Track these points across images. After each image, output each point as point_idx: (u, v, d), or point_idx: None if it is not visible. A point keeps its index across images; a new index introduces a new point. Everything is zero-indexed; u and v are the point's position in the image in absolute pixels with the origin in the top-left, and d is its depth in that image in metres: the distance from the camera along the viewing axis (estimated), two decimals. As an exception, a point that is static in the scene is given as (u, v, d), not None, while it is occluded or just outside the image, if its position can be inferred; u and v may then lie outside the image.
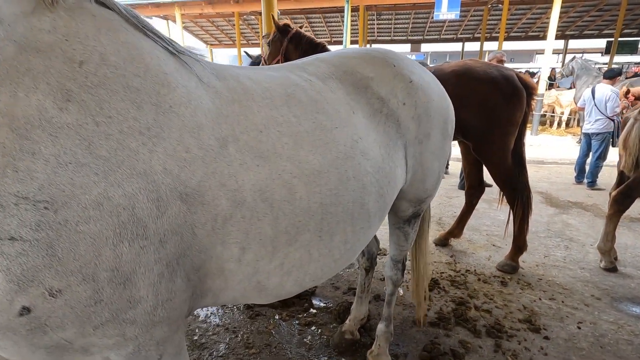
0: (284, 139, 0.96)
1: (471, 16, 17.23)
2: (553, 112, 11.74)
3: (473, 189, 3.25)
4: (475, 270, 2.93)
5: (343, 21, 14.55)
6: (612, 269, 2.88)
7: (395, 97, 1.28)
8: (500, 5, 12.33)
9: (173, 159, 0.75)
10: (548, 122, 12.04)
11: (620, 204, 2.87)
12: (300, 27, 3.48)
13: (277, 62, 3.30)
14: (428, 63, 11.45)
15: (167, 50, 0.86)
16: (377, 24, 19.40)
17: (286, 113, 1.01)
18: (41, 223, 0.59)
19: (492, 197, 3.03)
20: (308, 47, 3.24)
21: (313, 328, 2.25)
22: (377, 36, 21.41)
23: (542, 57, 13.84)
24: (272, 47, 3.42)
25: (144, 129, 0.72)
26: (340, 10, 12.23)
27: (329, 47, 3.25)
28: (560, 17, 11.07)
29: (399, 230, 1.70)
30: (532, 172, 6.28)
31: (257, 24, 17.19)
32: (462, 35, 20.94)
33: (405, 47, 26.66)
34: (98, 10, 0.75)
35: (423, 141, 1.37)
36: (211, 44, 22.46)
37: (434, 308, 2.44)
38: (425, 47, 30.66)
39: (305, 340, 2.14)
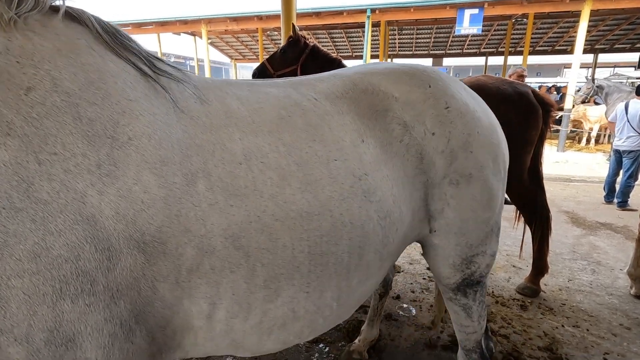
0: (268, 173, 0.82)
1: (495, 30, 17.02)
2: (580, 128, 11.32)
3: None
4: (493, 292, 2.81)
5: (364, 36, 14.81)
6: (643, 296, 2.70)
7: (423, 125, 1.06)
8: (524, 19, 12.13)
9: (128, 201, 0.64)
10: (577, 137, 11.61)
11: (652, 226, 2.70)
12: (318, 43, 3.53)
13: (290, 73, 3.30)
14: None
15: (141, 71, 0.78)
16: (398, 39, 19.49)
17: (274, 141, 0.86)
18: None
19: (513, 215, 2.93)
20: (324, 62, 3.27)
21: (321, 345, 2.21)
22: (399, 51, 21.46)
23: (569, 71, 13.47)
24: (286, 54, 3.39)
25: (93, 167, 0.62)
26: (361, 25, 12.36)
27: (349, 61, 3.28)
28: (588, 31, 10.77)
29: (453, 304, 1.31)
30: (558, 190, 6.07)
31: (280, 39, 17.64)
32: (485, 50, 20.69)
33: (427, 62, 26.61)
34: (64, 29, 0.70)
35: (460, 183, 1.10)
36: (235, 59, 23.11)
37: (447, 330, 2.35)
38: (448, 62, 30.44)
39: (312, 357, 2.10)
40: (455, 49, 21.41)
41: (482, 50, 20.79)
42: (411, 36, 19.17)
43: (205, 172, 0.75)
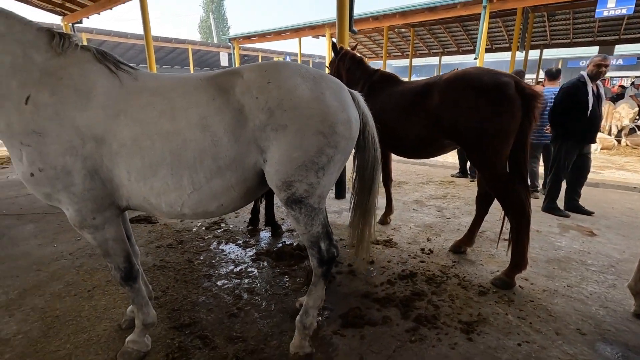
0: (155, 112, 1.66)
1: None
2: None
3: (482, 196, 3.12)
4: (464, 278, 2.90)
5: (488, 27, 13.34)
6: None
7: (250, 92, 1.68)
8: None
9: (90, 119, 1.60)
10: None
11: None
12: (355, 47, 4.13)
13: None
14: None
15: (109, 68, 1.70)
16: (549, 26, 16.75)
17: (163, 98, 1.68)
18: (36, 140, 1.55)
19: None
20: (350, 63, 3.86)
21: (286, 278, 2.93)
22: (551, 40, 18.36)
23: None
24: (330, 68, 4.20)
25: (79, 105, 1.59)
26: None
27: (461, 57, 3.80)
28: None
29: (288, 214, 1.87)
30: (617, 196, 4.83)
31: (410, 36, 17.60)
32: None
33: (592, 50, 21.47)
34: (79, 53, 1.68)
35: (278, 130, 1.65)
36: (369, 57, 24.11)
37: (388, 290, 2.71)
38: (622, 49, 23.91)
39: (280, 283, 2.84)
40: (634, 33, 16.89)
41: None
42: (567, 22, 16.20)
43: (127, 109, 1.65)
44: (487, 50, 18.00)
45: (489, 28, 15.91)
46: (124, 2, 9.13)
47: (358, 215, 2.18)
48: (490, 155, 2.63)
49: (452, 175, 6.67)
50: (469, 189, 5.86)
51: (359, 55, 3.92)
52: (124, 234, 1.88)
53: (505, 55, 17.56)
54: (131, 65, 1.85)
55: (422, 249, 3.45)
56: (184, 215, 1.83)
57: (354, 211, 2.21)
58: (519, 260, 2.70)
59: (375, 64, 27.97)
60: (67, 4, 10.47)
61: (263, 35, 16.39)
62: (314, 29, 14.24)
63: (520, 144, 2.61)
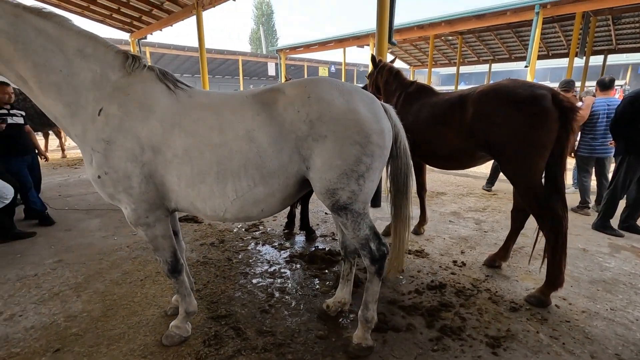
0: (205, 126, 1.86)
1: None
2: None
3: (517, 210, 3.03)
4: (495, 292, 2.85)
5: (544, 33, 12.53)
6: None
7: (294, 106, 1.86)
8: None
9: (150, 131, 1.83)
10: None
11: None
12: (393, 61, 4.23)
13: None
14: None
15: (167, 87, 1.97)
16: (615, 30, 15.47)
17: (213, 113, 1.89)
18: (105, 149, 1.83)
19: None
20: (388, 75, 3.97)
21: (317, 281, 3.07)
22: (617, 45, 16.90)
23: None
24: (369, 80, 4.35)
25: (141, 117, 1.84)
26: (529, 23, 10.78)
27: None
28: None
29: (336, 220, 2.17)
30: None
31: (457, 44, 17.16)
32: None
33: None
34: (145, 73, 1.95)
35: (319, 140, 1.82)
36: (414, 65, 23.82)
37: (415, 299, 2.74)
38: None
39: (310, 285, 3.00)
40: None
41: None
42: (636, 24, 14.85)
43: (181, 123, 1.87)
44: (543, 57, 17.09)
45: (544, 33, 15.21)
46: (182, 20, 9.96)
47: (395, 223, 2.24)
48: (524, 169, 2.59)
49: (483, 188, 6.39)
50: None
51: (396, 67, 4.00)
52: (171, 233, 2.13)
53: (564, 62, 16.48)
54: (187, 84, 2.12)
55: (455, 261, 3.42)
56: (226, 220, 2.03)
57: (392, 219, 2.27)
58: (554, 278, 2.60)
59: (421, 73, 27.61)
60: (135, 23, 11.65)
61: (308, 46, 16.91)
62: (358, 39, 14.45)
63: (557, 157, 2.53)
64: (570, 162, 4.59)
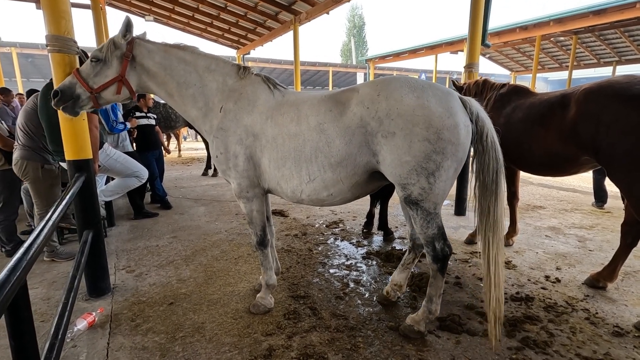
0: (287, 119, 2.19)
1: None
2: None
3: (630, 224, 2.62)
4: (595, 313, 2.52)
5: None
6: None
7: (362, 103, 1.99)
8: None
9: (254, 121, 2.26)
10: None
11: None
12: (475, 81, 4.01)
13: None
14: None
15: (269, 87, 2.37)
16: None
17: (293, 109, 2.21)
18: (223, 135, 2.31)
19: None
20: (475, 89, 3.82)
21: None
22: None
23: None
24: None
25: (246, 112, 2.29)
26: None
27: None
28: None
29: (406, 211, 2.38)
30: None
31: (570, 45, 15.23)
32: None
33: None
34: (254, 78, 2.41)
35: (388, 136, 1.91)
36: (516, 71, 21.80)
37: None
38: None
39: (384, 281, 3.09)
40: None
41: None
42: None
43: (273, 116, 2.25)
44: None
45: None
46: (281, 35, 10.93)
47: (483, 229, 2.05)
48: (638, 177, 2.28)
49: (593, 205, 5.54)
50: (632, 223, 4.79)
51: (481, 79, 3.83)
52: (264, 210, 2.49)
53: None
54: (283, 86, 2.48)
55: (547, 276, 3.11)
56: (302, 201, 2.30)
57: (479, 223, 2.08)
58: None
59: (523, 78, 25.03)
60: (242, 40, 13.17)
61: (398, 55, 16.80)
62: (452, 45, 13.84)
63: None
64: None
